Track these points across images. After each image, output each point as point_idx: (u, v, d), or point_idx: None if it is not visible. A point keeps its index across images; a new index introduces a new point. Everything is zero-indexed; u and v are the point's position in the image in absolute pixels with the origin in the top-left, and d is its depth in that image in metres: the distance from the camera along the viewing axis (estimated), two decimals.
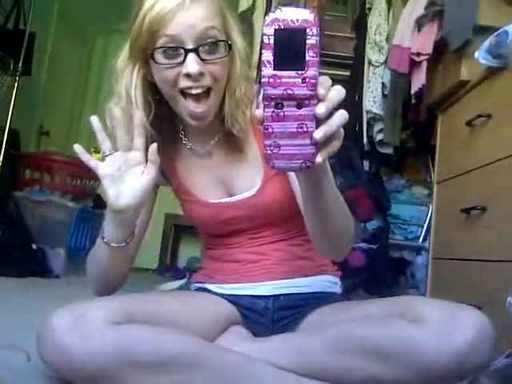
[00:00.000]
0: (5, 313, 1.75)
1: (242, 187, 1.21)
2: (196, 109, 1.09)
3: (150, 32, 1.06)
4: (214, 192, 1.23)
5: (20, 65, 3.54)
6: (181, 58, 1.05)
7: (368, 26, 2.74)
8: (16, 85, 3.56)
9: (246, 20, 2.83)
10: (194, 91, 1.07)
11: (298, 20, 0.65)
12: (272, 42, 0.66)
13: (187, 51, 1.05)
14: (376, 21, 2.69)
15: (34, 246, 3.15)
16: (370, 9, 2.79)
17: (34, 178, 3.65)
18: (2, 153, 3.45)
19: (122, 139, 1.06)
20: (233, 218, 1.22)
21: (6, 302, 2.06)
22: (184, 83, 1.07)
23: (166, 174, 1.28)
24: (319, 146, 0.70)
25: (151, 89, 1.15)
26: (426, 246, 2.57)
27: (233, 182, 1.22)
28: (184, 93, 1.09)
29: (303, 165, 0.70)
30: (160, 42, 1.06)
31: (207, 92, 1.09)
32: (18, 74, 3.55)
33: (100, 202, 3.96)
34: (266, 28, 0.66)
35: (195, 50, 1.05)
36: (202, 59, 1.05)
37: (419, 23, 2.27)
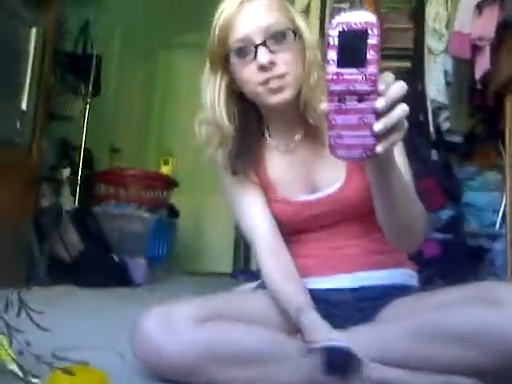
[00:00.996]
0: (97, 319, 1.86)
1: (325, 183, 1.24)
2: (274, 85, 1.14)
3: (221, 40, 1.15)
4: (297, 190, 1.27)
5: (90, 87, 3.72)
6: (252, 54, 1.12)
7: (426, 14, 2.71)
8: (87, 107, 3.74)
9: None
10: (271, 85, 1.13)
11: (360, 22, 0.71)
12: (336, 42, 0.72)
13: (256, 46, 1.12)
14: (434, 9, 2.67)
15: (115, 258, 3.30)
16: None
17: (109, 193, 3.80)
18: (80, 173, 3.64)
19: None
20: (315, 215, 1.24)
21: (95, 309, 2.18)
22: (261, 77, 1.13)
23: (256, 172, 1.31)
24: (379, 137, 0.75)
25: (235, 96, 1.22)
26: (503, 232, 2.49)
27: (315, 179, 1.25)
28: (264, 85, 1.14)
29: (364, 154, 0.75)
30: (232, 45, 1.14)
31: (283, 77, 1.14)
32: (89, 96, 3.73)
33: (174, 212, 4.09)
34: (331, 30, 0.72)
35: (263, 44, 1.12)
36: (271, 51, 1.12)
37: (479, 7, 2.23)
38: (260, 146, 1.30)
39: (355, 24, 0.71)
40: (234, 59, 1.15)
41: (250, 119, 1.26)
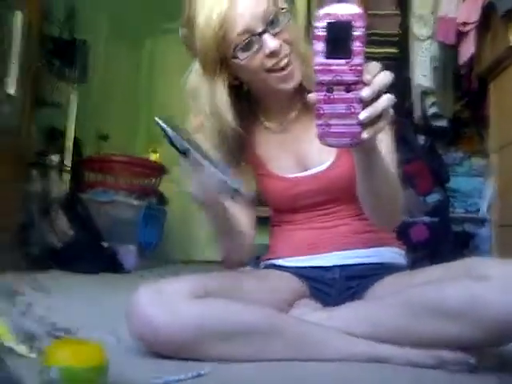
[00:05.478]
0: (88, 304, 1.86)
1: (315, 161, 1.27)
2: (284, 71, 1.16)
3: (218, 40, 1.13)
4: (288, 167, 1.29)
5: (76, 73, 3.70)
6: (258, 44, 1.14)
7: (411, 0, 2.73)
8: (74, 93, 3.72)
9: None
10: (281, 64, 1.15)
11: (346, 14, 0.73)
12: (323, 34, 0.74)
13: (260, 35, 1.13)
14: None
15: (105, 244, 3.31)
16: None
17: (97, 180, 3.81)
18: (69, 159, 3.63)
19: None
20: (305, 191, 1.27)
21: (86, 294, 2.19)
22: (270, 62, 1.15)
23: (245, 152, 1.33)
24: (365, 125, 0.78)
25: (233, 90, 1.22)
26: (487, 218, 2.53)
27: (306, 157, 1.28)
28: (271, 71, 1.16)
29: (351, 142, 0.79)
30: (234, 41, 1.13)
31: (288, 61, 1.16)
32: (76, 82, 3.72)
33: (163, 199, 4.09)
34: (317, 21, 0.74)
35: (265, 30, 1.13)
36: (273, 35, 1.13)
37: None
38: (253, 125, 1.32)
39: (341, 16, 0.73)
40: (239, 54, 1.15)
41: (244, 106, 1.28)
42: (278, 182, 1.30)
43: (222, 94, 1.19)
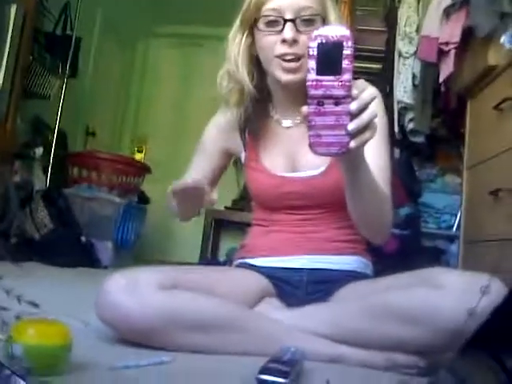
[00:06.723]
0: (63, 293, 1.90)
1: (306, 165, 1.32)
2: (288, 64, 1.24)
3: (257, 6, 1.25)
4: (281, 165, 1.35)
5: (67, 68, 3.73)
6: (280, 27, 1.23)
7: (398, 18, 2.79)
8: (64, 87, 3.75)
9: None
10: (288, 57, 1.23)
11: (336, 35, 0.82)
12: (315, 53, 0.83)
13: (286, 21, 1.22)
14: (406, 13, 2.74)
15: (83, 239, 3.33)
16: (399, 2, 2.85)
17: (81, 176, 3.81)
18: (52, 153, 3.64)
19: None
20: (292, 192, 1.32)
21: (62, 286, 2.23)
22: (280, 49, 1.23)
23: (244, 141, 1.41)
24: (353, 135, 0.86)
25: (252, 60, 1.32)
26: (458, 235, 2.58)
27: (300, 159, 1.33)
28: (280, 58, 1.24)
29: (340, 151, 0.86)
30: (264, 12, 1.24)
31: (298, 59, 1.23)
32: (66, 76, 3.74)
33: (144, 198, 4.12)
34: (310, 42, 0.83)
35: (293, 21, 1.22)
36: (297, 30, 1.22)
37: (447, 13, 2.32)
38: (262, 116, 1.39)
39: (332, 37, 0.82)
40: (261, 25, 1.25)
41: (264, 87, 1.36)
42: (265, 178, 1.34)
43: (242, 51, 1.31)
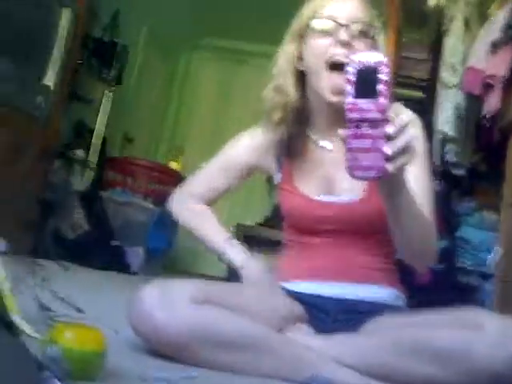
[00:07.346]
0: (90, 297, 1.92)
1: (343, 190, 1.29)
2: (338, 79, 1.21)
3: (311, 13, 1.27)
4: (316, 187, 1.32)
5: (113, 75, 3.81)
6: (332, 31, 1.23)
7: (443, 47, 2.77)
8: (110, 93, 3.83)
9: None
10: (342, 58, 1.20)
11: (373, 61, 0.84)
12: (353, 78, 0.84)
13: (341, 25, 1.23)
14: (451, 43, 2.71)
15: (114, 243, 3.37)
16: (446, 31, 2.82)
17: (117, 180, 3.88)
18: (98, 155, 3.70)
19: None
20: (328, 217, 1.28)
21: (90, 288, 2.25)
22: (333, 50, 1.23)
23: (280, 161, 1.39)
24: (390, 159, 0.85)
25: (298, 76, 1.32)
26: (493, 273, 2.51)
27: (337, 182, 1.30)
28: (330, 66, 1.24)
29: (377, 175, 0.86)
30: (318, 17, 1.26)
31: None
32: (113, 83, 3.82)
33: None
34: (348, 67, 0.85)
35: (347, 26, 1.22)
36: (352, 35, 1.22)
37: (495, 46, 2.29)
38: (299, 138, 1.37)
39: (369, 62, 0.84)
40: (314, 30, 1.26)
41: (305, 106, 1.34)
42: (300, 200, 1.31)
43: (290, 62, 1.31)
